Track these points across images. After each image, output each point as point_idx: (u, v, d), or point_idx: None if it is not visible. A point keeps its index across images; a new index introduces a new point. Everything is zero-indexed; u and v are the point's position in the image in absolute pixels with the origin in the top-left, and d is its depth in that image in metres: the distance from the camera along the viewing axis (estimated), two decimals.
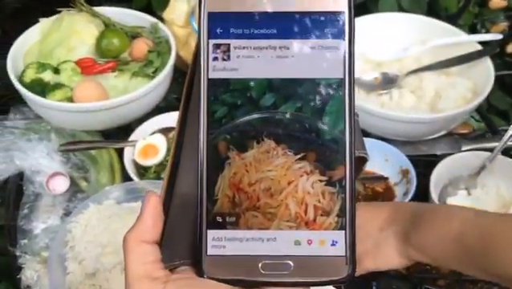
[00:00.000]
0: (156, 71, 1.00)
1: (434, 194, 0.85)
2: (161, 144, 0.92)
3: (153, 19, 1.08)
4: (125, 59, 1.04)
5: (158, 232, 0.34)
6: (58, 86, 0.94)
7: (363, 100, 0.98)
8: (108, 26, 1.06)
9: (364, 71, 1.05)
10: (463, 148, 0.97)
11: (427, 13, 1.13)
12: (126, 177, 0.92)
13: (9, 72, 0.95)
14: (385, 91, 1.02)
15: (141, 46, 1.04)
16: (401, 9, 1.16)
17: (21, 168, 0.92)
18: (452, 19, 1.12)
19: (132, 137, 0.95)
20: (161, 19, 1.09)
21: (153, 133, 0.95)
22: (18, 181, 0.92)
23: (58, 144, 0.94)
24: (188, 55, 1.11)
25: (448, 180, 0.91)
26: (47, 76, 0.95)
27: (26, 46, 1.03)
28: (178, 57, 1.06)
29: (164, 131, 0.96)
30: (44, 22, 1.06)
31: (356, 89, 1.01)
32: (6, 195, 0.91)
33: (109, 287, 0.74)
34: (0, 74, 1.02)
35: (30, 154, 0.92)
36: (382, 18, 1.11)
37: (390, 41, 1.09)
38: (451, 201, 0.87)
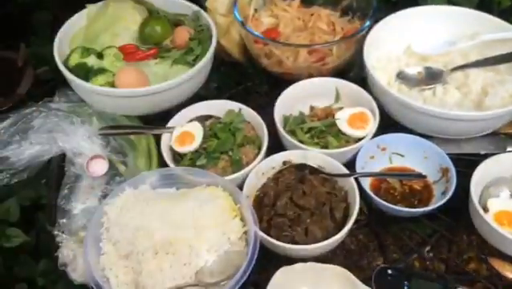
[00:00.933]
0: (196, 59, 1.01)
1: (474, 194, 0.82)
2: (198, 131, 0.93)
3: (196, 7, 1.08)
4: (167, 47, 1.05)
5: None
6: (101, 71, 0.96)
7: (406, 95, 0.96)
8: (152, 14, 1.08)
9: (408, 65, 1.03)
10: (508, 149, 0.94)
11: (477, 7, 1.09)
12: (163, 163, 0.93)
13: (55, 56, 0.98)
14: (428, 87, 0.99)
15: (183, 34, 1.05)
16: (451, 2, 1.12)
17: (63, 149, 0.95)
18: (504, 14, 1.08)
19: (170, 124, 0.96)
20: (204, 8, 1.09)
21: (190, 121, 0.96)
22: (60, 162, 0.96)
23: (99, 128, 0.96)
24: (228, 44, 1.11)
25: (490, 180, 0.88)
26: (91, 61, 0.98)
27: (73, 31, 1.06)
28: (219, 45, 1.06)
29: (201, 119, 0.96)
30: (90, 8, 1.08)
31: (398, 83, 1.00)
32: (50, 174, 0.95)
33: (141, 269, 0.76)
34: (49, 58, 1.05)
35: (72, 136, 0.95)
36: (430, 10, 1.07)
37: (437, 34, 1.06)
38: (492, 202, 0.84)
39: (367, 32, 1.00)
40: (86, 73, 0.96)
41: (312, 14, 1.10)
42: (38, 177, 0.95)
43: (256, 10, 1.12)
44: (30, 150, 0.94)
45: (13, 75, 1.15)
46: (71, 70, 0.96)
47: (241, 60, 1.15)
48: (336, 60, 1.01)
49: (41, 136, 0.95)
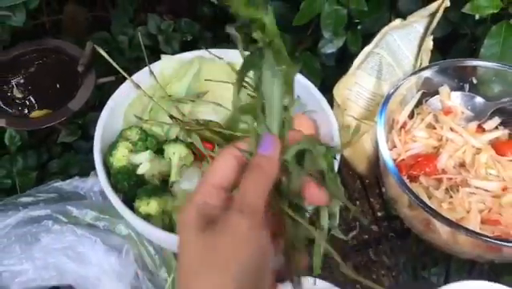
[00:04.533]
0: None
1: None
2: None
3: (320, 97, 0.70)
4: None
5: None
6: (156, 191, 0.61)
7: None
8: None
9: None
10: None
11: None
12: None
13: (95, 138, 0.65)
14: None
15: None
16: None
17: (74, 286, 0.64)
18: None
19: None
20: (330, 99, 0.71)
21: None
22: None
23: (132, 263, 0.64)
24: (354, 156, 0.73)
25: None
26: (143, 164, 0.63)
27: (134, 93, 0.71)
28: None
29: None
30: (166, 62, 0.73)
31: None
32: None
33: None
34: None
35: (89, 268, 0.63)
36: None
37: None
38: None
39: None
40: (133, 186, 0.62)
41: (507, 148, 0.69)
42: None
43: (411, 117, 0.72)
44: (30, 274, 0.64)
45: (68, 80, 0.86)
46: (114, 172, 0.63)
47: (367, 175, 0.77)
48: None
49: (46, 261, 0.64)
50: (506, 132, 0.73)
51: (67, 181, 0.74)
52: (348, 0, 0.78)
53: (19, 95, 0.83)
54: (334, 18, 0.79)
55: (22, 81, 0.85)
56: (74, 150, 0.85)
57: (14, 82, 0.85)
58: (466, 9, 0.75)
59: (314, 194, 0.41)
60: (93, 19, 0.92)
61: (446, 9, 0.75)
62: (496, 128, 0.73)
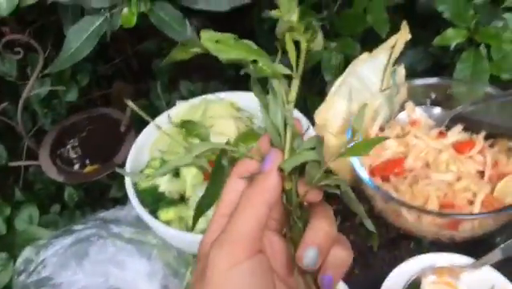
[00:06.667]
0: None
1: None
2: None
3: (305, 121, 0.87)
4: None
5: None
6: (173, 202, 0.78)
7: None
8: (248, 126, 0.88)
9: None
10: None
11: None
12: None
13: (127, 167, 0.83)
14: None
15: None
16: None
17: (116, 288, 0.80)
18: None
19: None
20: (311, 121, 0.87)
21: None
22: None
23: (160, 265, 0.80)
24: (339, 168, 0.88)
25: None
26: (163, 184, 0.80)
27: (155, 134, 0.90)
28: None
29: None
30: (180, 106, 0.92)
31: None
32: None
33: None
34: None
35: (127, 273, 0.80)
36: None
37: None
38: None
39: None
40: (155, 200, 0.79)
41: (465, 147, 0.82)
42: None
43: (382, 130, 0.87)
44: (82, 282, 0.81)
45: (114, 140, 1.04)
46: (141, 192, 0.80)
47: (352, 183, 0.91)
48: (478, 230, 0.73)
49: (94, 269, 0.81)
50: (466, 135, 0.86)
51: (110, 211, 0.92)
52: (344, 47, 0.95)
53: (74, 156, 1.03)
54: (333, 64, 0.96)
55: (76, 144, 1.04)
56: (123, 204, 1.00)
57: (69, 146, 1.04)
58: (435, 42, 0.89)
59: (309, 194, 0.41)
60: (137, 90, 1.09)
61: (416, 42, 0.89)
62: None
